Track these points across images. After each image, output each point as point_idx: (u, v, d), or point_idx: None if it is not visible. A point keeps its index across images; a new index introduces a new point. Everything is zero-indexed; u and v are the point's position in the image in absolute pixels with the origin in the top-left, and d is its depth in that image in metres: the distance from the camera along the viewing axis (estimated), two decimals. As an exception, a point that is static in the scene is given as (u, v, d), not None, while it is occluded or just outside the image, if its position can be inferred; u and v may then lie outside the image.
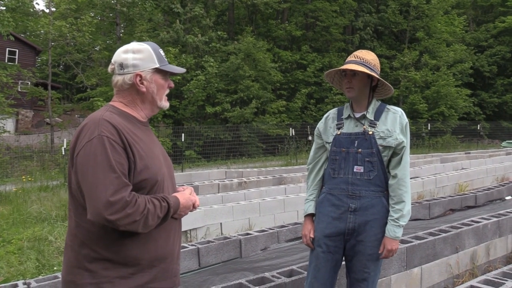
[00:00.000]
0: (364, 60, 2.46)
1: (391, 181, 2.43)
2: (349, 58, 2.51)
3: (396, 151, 2.43)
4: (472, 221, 4.72)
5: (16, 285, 3.37)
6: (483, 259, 4.51)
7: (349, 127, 2.50)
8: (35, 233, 5.75)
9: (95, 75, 21.24)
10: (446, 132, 24.38)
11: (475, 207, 7.09)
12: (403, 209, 2.39)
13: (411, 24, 26.80)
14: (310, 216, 2.64)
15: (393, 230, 2.39)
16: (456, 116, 25.57)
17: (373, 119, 2.46)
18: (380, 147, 2.41)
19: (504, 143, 20.82)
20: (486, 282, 3.29)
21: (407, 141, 2.45)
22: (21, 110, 25.91)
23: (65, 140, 13.21)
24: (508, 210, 5.32)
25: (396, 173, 2.42)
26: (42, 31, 21.67)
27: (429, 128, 22.65)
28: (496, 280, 3.29)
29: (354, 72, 2.45)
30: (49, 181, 10.90)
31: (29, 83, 21.96)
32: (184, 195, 1.83)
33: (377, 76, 2.46)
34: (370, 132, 2.43)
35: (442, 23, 27.82)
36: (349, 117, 2.53)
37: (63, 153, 12.56)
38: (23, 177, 11.28)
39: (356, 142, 2.44)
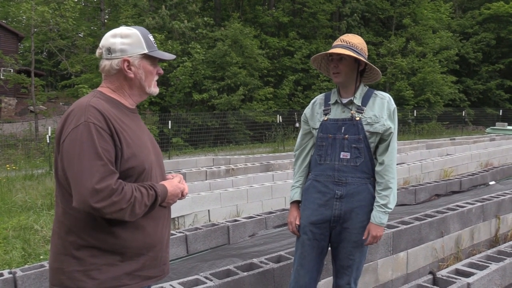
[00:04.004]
0: (351, 44, 2.40)
1: (377, 168, 2.41)
2: (335, 43, 2.45)
3: (383, 137, 2.41)
4: (457, 206, 4.79)
5: (2, 274, 3.32)
6: (468, 243, 4.60)
7: (336, 112, 2.47)
8: (20, 222, 5.67)
9: (79, 62, 20.85)
10: (431, 118, 24.61)
11: (459, 192, 7.19)
12: (389, 196, 2.36)
13: (398, 11, 26.79)
14: (296, 203, 2.61)
15: (379, 216, 2.36)
16: (441, 103, 25.78)
17: (360, 104, 2.42)
18: (367, 133, 2.38)
19: (488, 129, 21.05)
20: (471, 265, 3.35)
21: (394, 127, 2.42)
22: (4, 98, 25.41)
23: (49, 128, 12.97)
24: (492, 195, 5.42)
25: (383, 159, 2.39)
26: (24, 17, 21.12)
27: (415, 115, 22.82)
28: (481, 263, 3.35)
29: (341, 56, 2.39)
30: (34, 169, 10.74)
31: (12, 70, 21.45)
32: (172, 183, 1.82)
33: (365, 60, 2.40)
34: (357, 118, 2.39)
35: (429, 10, 27.89)
36: (336, 102, 2.49)
37: (48, 141, 12.36)
38: (7, 165, 11.11)
39: (343, 128, 2.41)
